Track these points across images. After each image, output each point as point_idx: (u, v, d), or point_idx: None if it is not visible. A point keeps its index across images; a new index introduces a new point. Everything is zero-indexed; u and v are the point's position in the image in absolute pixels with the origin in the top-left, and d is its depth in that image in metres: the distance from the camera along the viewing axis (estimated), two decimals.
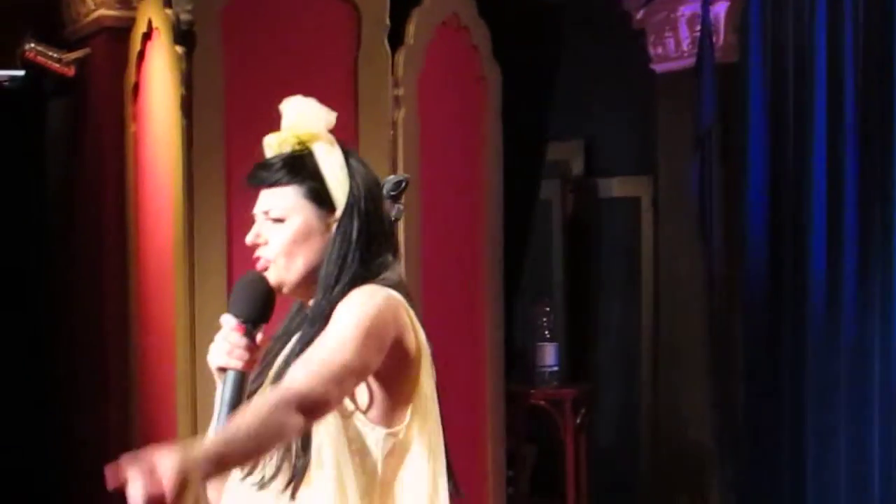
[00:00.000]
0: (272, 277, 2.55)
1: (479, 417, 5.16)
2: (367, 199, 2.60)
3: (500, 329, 5.22)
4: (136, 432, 5.14)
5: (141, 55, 5.00)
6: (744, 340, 5.72)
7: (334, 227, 2.57)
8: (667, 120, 6.27)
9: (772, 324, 5.56)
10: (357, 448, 2.49)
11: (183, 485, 1.99)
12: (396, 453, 2.51)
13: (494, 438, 5.22)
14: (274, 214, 2.56)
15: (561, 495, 6.19)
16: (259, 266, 2.56)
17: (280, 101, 2.64)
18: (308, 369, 2.33)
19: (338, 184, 2.58)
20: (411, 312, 2.54)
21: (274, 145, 2.63)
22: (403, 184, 3.21)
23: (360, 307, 2.44)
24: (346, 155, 2.63)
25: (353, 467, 2.48)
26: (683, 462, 6.15)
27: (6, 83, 6.55)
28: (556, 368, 5.61)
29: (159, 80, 4.84)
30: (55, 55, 5.58)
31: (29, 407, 6.11)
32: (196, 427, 4.45)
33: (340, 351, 2.37)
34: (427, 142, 4.78)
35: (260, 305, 2.52)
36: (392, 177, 3.24)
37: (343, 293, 2.50)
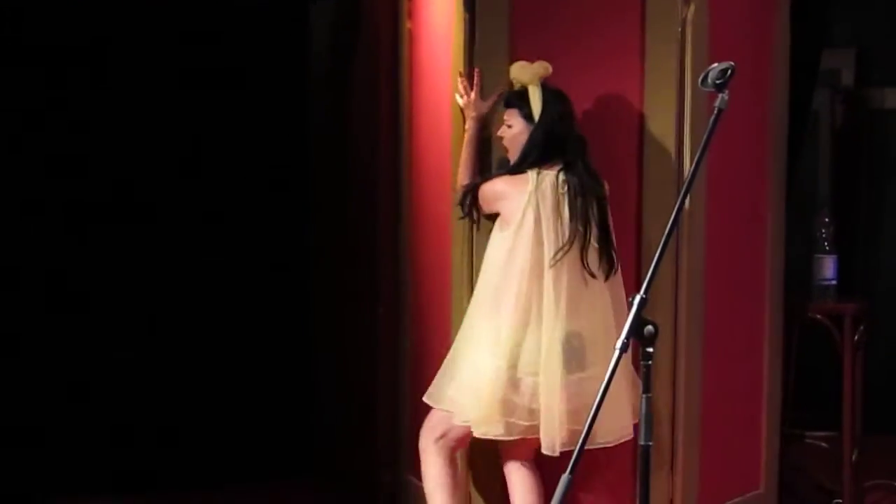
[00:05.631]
0: None
1: (758, 332, 5.02)
2: None
3: (781, 241, 5.05)
4: (406, 377, 5.13)
5: None
6: None
7: None
8: None
9: None
10: None
11: None
12: None
13: (771, 354, 5.06)
14: None
15: (821, 411, 5.97)
16: None
17: None
18: None
19: None
20: None
21: None
22: (729, 71, 3.09)
23: None
24: None
25: None
26: None
27: None
28: (834, 282, 5.33)
29: None
30: None
31: (300, 355, 6.07)
32: None
33: None
34: (714, 41, 4.60)
35: None
36: (717, 64, 3.11)
37: None
